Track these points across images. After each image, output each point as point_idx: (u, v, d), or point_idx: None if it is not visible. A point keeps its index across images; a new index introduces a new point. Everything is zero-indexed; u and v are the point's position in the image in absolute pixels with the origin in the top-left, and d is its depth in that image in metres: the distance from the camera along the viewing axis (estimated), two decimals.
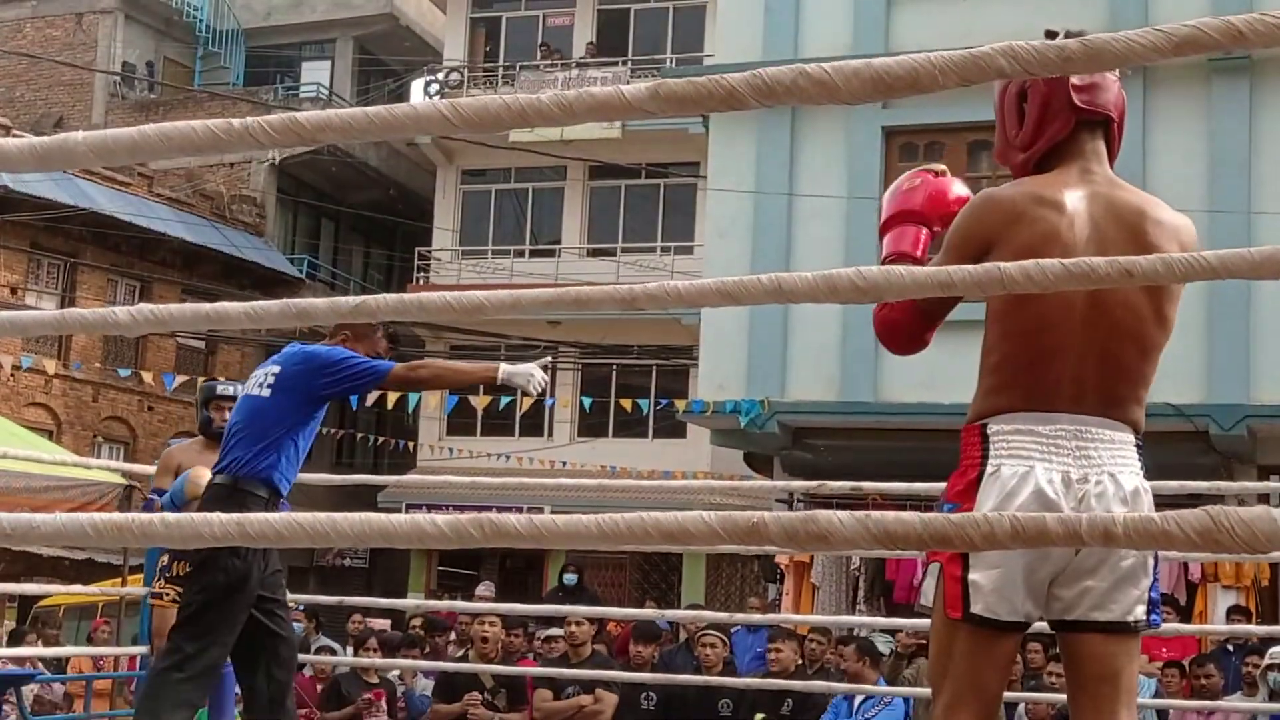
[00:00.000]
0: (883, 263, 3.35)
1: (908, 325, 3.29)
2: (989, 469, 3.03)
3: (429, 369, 5.44)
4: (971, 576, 3.02)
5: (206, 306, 2.60)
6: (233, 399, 6.46)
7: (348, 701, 9.82)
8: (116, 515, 2.55)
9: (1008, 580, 3.01)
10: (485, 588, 16.85)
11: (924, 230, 3.47)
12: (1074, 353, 3.06)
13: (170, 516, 2.53)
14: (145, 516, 2.52)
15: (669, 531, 2.23)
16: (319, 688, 10.21)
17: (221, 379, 6.99)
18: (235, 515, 2.54)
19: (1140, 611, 3.05)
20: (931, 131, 14.45)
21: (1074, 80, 3.11)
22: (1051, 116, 3.15)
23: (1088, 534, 2.05)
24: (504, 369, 5.19)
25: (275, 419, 5.21)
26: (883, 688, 9.04)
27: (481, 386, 24.32)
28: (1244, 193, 13.02)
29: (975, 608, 3.00)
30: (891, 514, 2.15)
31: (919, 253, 3.43)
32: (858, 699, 9.01)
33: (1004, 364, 3.09)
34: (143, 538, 2.49)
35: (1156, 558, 3.14)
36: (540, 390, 5.22)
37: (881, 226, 3.51)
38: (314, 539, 2.43)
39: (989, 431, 3.04)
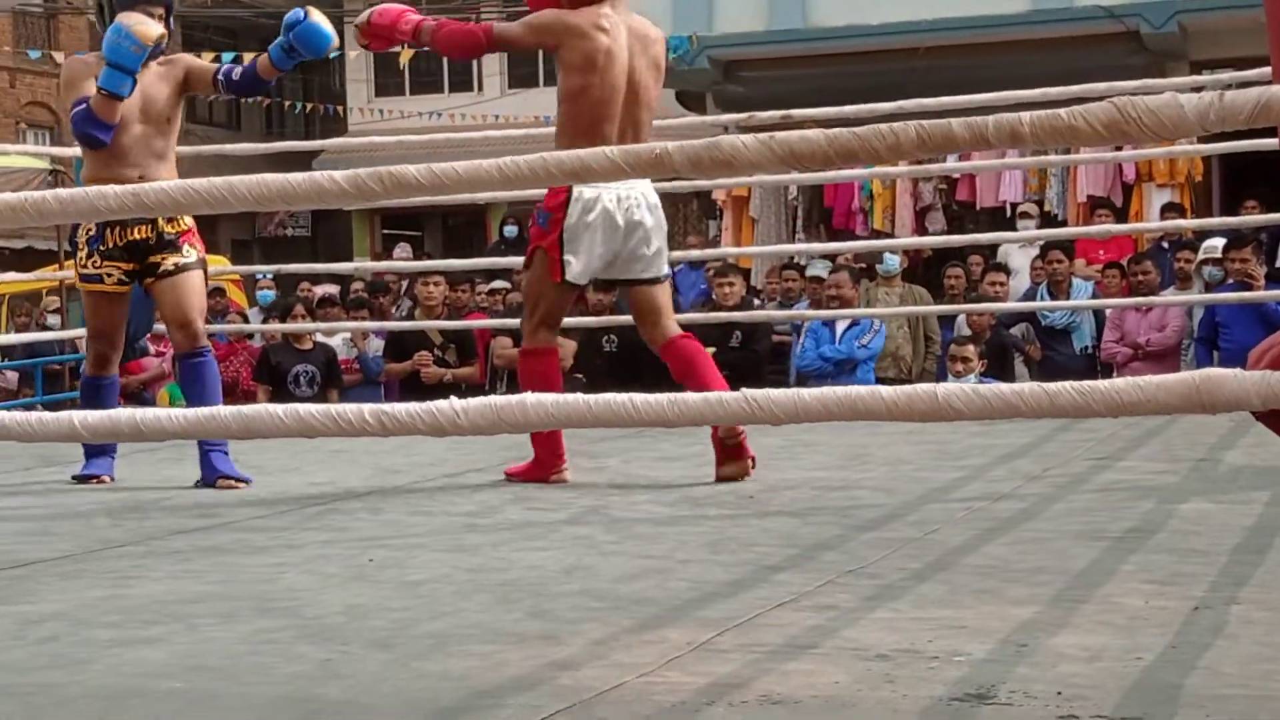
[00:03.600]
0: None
1: (476, 45, 5.10)
2: (574, 193, 4.91)
3: None
4: (565, 257, 4.97)
5: None
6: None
7: (280, 372, 9.77)
8: (9, 195, 2.48)
9: (588, 262, 4.99)
10: (401, 250, 16.75)
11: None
12: (616, 120, 4.91)
13: (64, 193, 2.46)
14: (38, 195, 2.45)
15: (571, 169, 2.19)
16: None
17: None
18: (132, 186, 2.48)
19: (666, 269, 5.19)
20: None
21: None
22: None
23: (994, 136, 2.02)
24: None
25: None
26: (864, 310, 9.17)
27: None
28: None
29: (568, 276, 5.00)
30: (796, 133, 2.11)
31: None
32: (841, 325, 9.13)
33: (578, 126, 4.85)
34: (38, 216, 2.43)
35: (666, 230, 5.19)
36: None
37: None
38: (211, 204, 2.37)
39: None
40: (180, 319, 5.31)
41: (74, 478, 5.38)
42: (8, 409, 9.85)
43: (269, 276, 12.56)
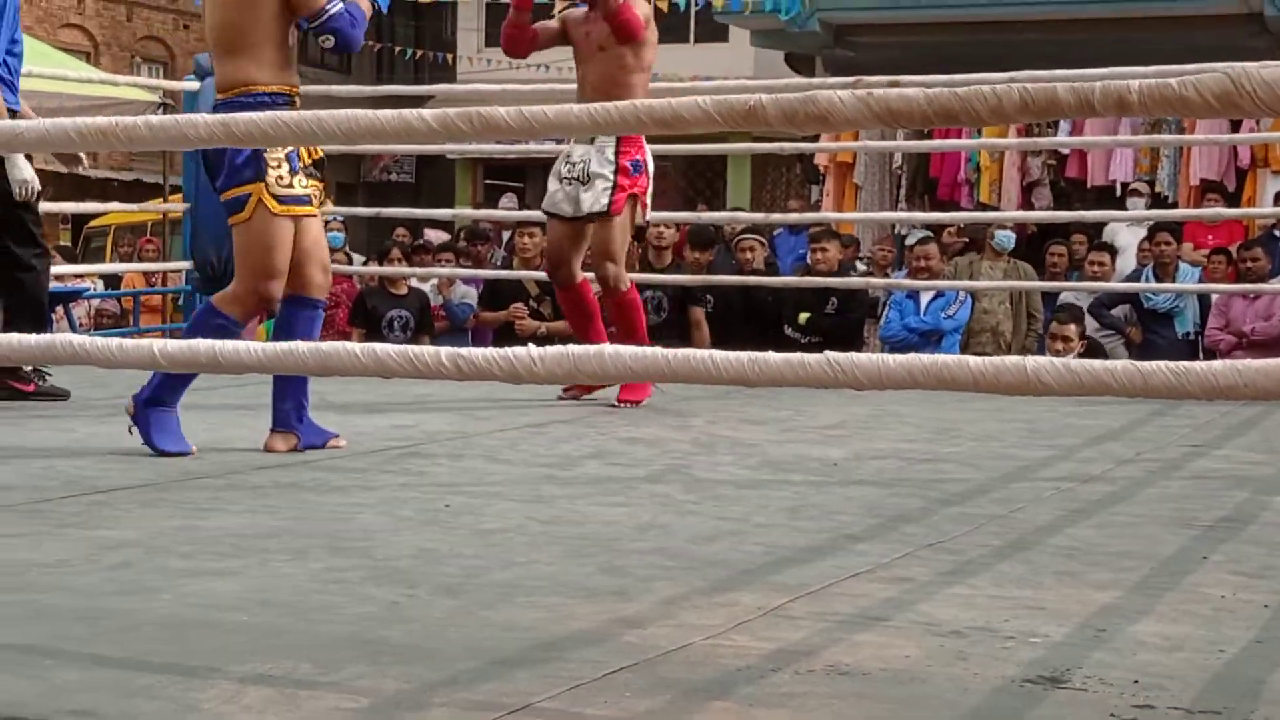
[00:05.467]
0: None
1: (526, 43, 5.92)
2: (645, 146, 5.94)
3: None
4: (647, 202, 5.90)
5: None
6: None
7: (375, 316, 9.80)
8: (101, 119, 2.48)
9: None
10: (508, 200, 16.75)
11: None
12: None
13: (154, 120, 2.45)
14: (129, 120, 2.45)
15: (662, 118, 2.14)
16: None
17: None
18: (221, 115, 2.47)
19: None
20: None
21: None
22: None
23: (1100, 103, 1.95)
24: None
25: None
26: (947, 283, 9.06)
27: None
28: None
29: (649, 218, 6.43)
30: (895, 90, 2.05)
31: None
32: (926, 298, 9.04)
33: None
34: (128, 141, 2.42)
35: None
36: (25, 193, 5.80)
37: None
38: (301, 138, 2.36)
39: None
40: (326, 259, 4.69)
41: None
42: (115, 335, 9.98)
43: (339, 219, 12.66)
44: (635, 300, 5.93)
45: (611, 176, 5.79)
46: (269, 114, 2.34)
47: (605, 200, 5.78)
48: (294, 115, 2.35)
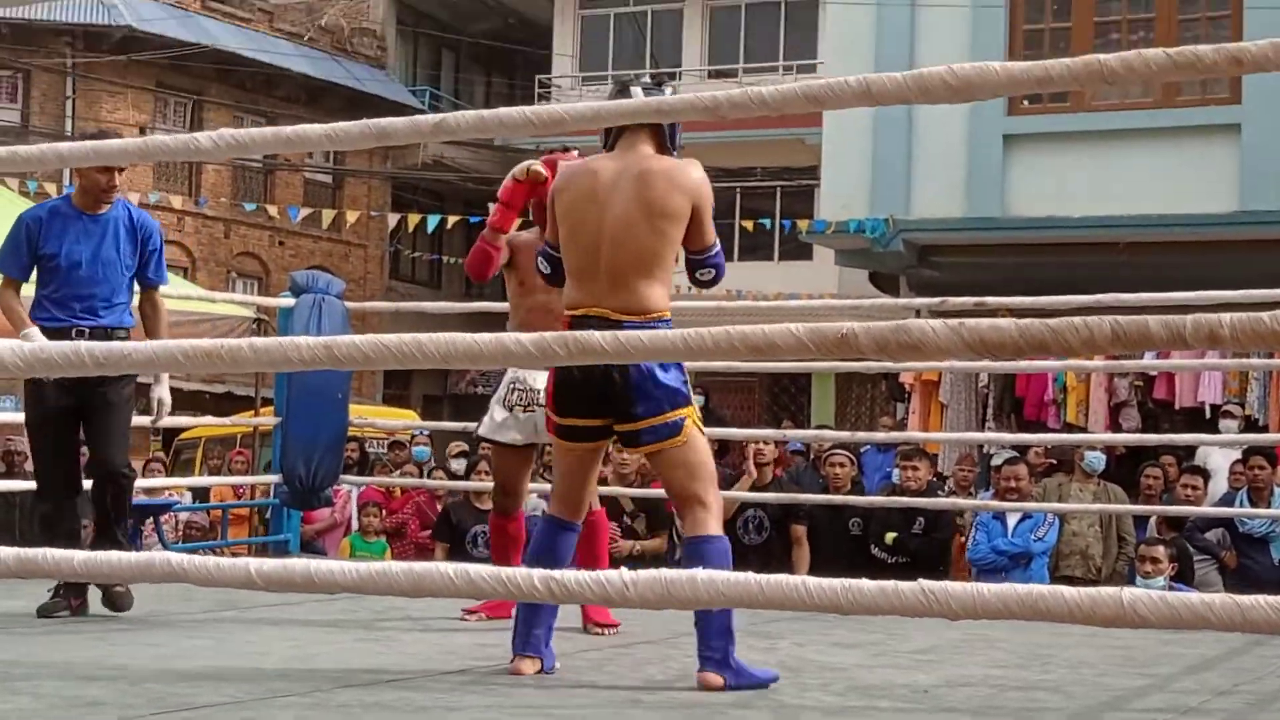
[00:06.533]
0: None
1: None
2: None
3: None
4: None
5: (287, 130, 2.56)
6: None
7: (460, 531, 9.76)
8: (206, 341, 2.54)
9: None
10: None
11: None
12: None
13: (259, 341, 2.51)
14: (234, 342, 2.51)
15: (755, 345, 2.17)
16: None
17: None
18: (323, 339, 2.53)
19: None
20: None
21: None
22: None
23: (1192, 336, 1.96)
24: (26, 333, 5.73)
25: None
26: (1037, 504, 8.99)
27: None
28: None
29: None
30: (986, 321, 2.07)
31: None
32: (1013, 519, 8.98)
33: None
34: (232, 363, 2.48)
35: None
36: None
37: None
38: (401, 360, 2.40)
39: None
40: None
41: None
42: (202, 548, 10.05)
43: (425, 433, 12.77)
44: (602, 521, 5.64)
45: None
46: (369, 338, 2.39)
47: None
48: (396, 339, 2.41)
